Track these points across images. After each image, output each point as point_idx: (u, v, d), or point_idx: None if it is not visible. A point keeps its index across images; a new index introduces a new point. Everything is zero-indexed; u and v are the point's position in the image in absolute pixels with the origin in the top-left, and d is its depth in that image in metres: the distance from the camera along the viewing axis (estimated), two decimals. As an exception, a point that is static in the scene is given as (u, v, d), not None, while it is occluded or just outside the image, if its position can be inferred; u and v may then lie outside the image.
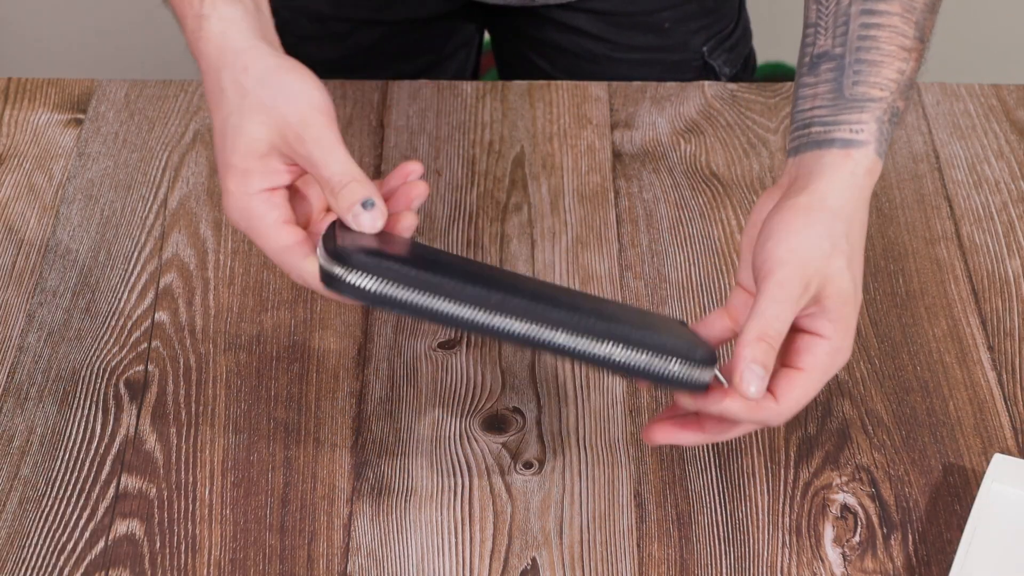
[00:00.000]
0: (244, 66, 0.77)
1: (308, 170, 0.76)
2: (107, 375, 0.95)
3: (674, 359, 0.72)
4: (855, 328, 0.77)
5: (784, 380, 0.76)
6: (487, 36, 1.37)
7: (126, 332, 0.97)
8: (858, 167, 0.79)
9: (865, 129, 0.80)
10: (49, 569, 0.84)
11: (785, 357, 0.77)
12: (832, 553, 0.86)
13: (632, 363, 0.72)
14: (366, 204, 0.74)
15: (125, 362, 0.95)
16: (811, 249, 0.76)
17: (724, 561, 0.85)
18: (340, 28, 1.25)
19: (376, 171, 1.09)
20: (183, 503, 0.88)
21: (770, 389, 0.76)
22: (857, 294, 0.77)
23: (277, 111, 0.76)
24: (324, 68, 1.26)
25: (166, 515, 0.87)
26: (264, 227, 0.76)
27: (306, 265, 0.75)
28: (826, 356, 0.77)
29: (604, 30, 1.23)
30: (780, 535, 0.87)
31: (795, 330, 0.77)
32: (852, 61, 0.81)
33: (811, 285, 0.75)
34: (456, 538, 0.87)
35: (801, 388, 0.76)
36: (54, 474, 0.89)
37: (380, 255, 0.71)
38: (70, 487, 0.89)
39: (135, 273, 1.01)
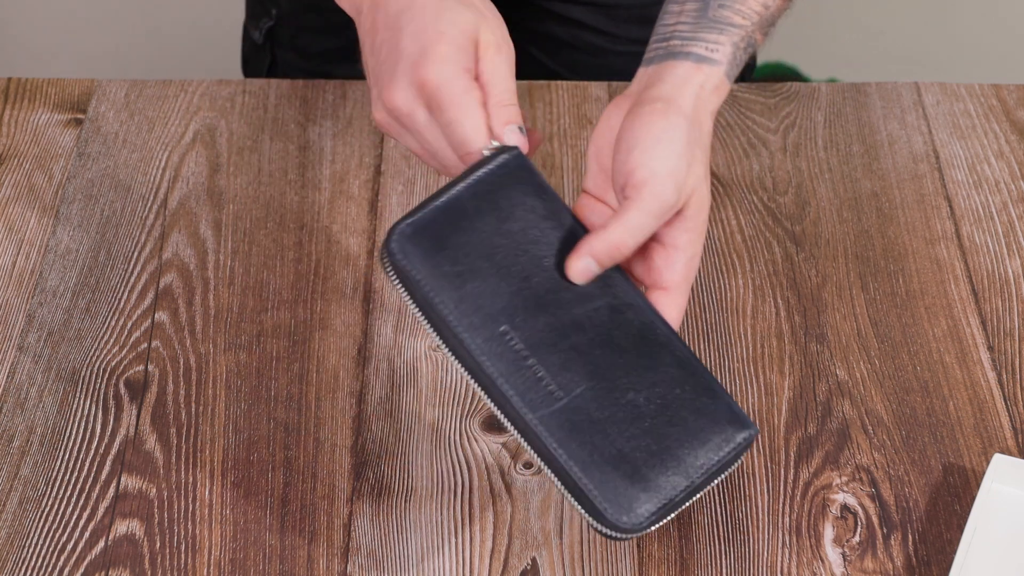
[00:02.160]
0: None
1: (483, 78, 0.78)
2: (107, 375, 0.95)
3: (590, 508, 0.73)
4: (705, 232, 0.80)
5: (656, 306, 0.78)
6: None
7: (126, 332, 0.97)
8: (707, 81, 0.81)
9: (720, 50, 0.82)
10: (49, 569, 0.84)
11: (646, 274, 0.78)
12: (832, 553, 0.86)
13: (559, 480, 0.74)
14: (521, 128, 0.78)
15: (125, 362, 0.95)
16: (680, 159, 0.77)
17: (724, 561, 0.85)
18: (339, 19, 1.25)
19: (376, 171, 1.09)
20: (183, 503, 0.88)
21: None
22: (709, 203, 0.80)
23: (488, 21, 0.80)
24: (324, 59, 1.26)
25: (166, 515, 0.87)
26: (466, 97, 0.77)
27: (483, 146, 0.77)
28: (684, 268, 0.78)
29: (604, 23, 1.23)
30: (780, 535, 0.87)
31: (653, 242, 0.78)
32: None
33: (680, 198, 0.77)
34: (456, 538, 0.87)
35: (674, 307, 0.78)
36: (54, 474, 0.89)
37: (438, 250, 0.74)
38: (70, 487, 0.89)
39: (135, 273, 1.01)
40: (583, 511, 0.73)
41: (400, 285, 0.75)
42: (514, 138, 0.77)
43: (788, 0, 0.87)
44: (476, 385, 0.75)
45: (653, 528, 0.72)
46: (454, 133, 0.77)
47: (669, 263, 0.78)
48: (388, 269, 0.75)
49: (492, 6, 0.82)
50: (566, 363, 0.74)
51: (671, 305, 0.78)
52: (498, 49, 0.79)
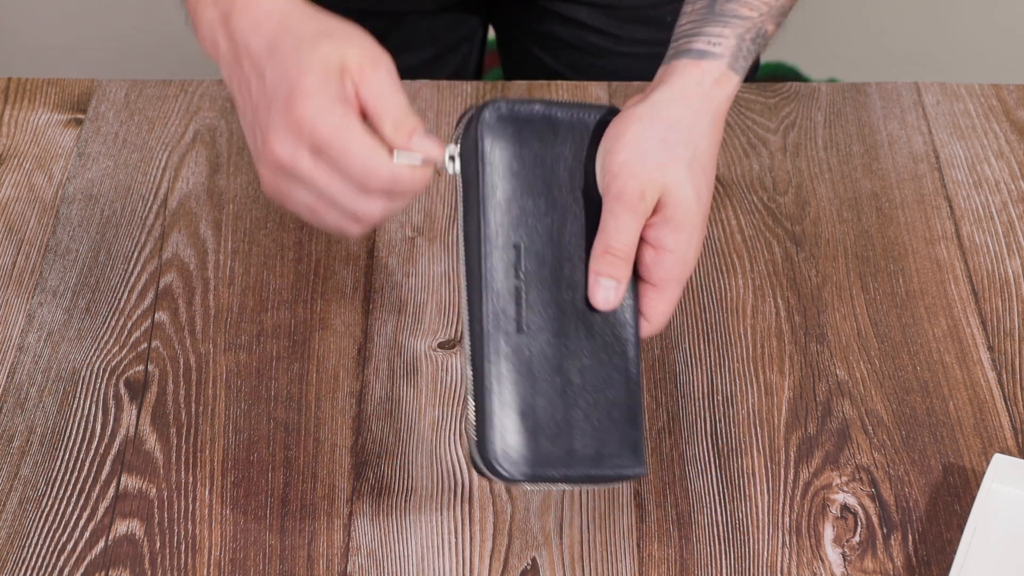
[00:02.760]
0: (311, 14, 0.76)
1: (369, 100, 0.74)
2: (107, 375, 0.95)
3: (481, 431, 0.74)
4: (702, 234, 0.79)
5: (645, 299, 0.78)
6: (491, 36, 1.37)
7: (126, 332, 0.97)
8: (705, 76, 0.80)
9: (723, 43, 0.81)
10: (49, 569, 0.84)
11: (640, 269, 0.79)
12: (832, 553, 0.86)
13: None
14: (424, 133, 0.74)
15: (125, 362, 0.95)
16: (643, 158, 0.77)
17: (724, 561, 0.85)
18: (344, 18, 1.25)
19: (376, 171, 1.09)
20: (183, 503, 0.88)
21: (640, 308, 0.79)
22: (701, 201, 0.78)
23: (353, 39, 0.75)
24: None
25: (166, 515, 0.87)
26: (347, 132, 0.73)
27: (390, 166, 0.73)
28: (674, 268, 0.78)
29: (606, 24, 1.23)
30: (780, 535, 0.87)
31: (642, 242, 0.78)
32: None
33: (646, 194, 0.76)
34: (456, 538, 0.87)
35: (661, 303, 0.78)
36: (54, 474, 0.89)
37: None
38: (70, 487, 0.89)
39: (135, 273, 1.01)
40: (472, 430, 0.74)
41: (461, 153, 0.76)
42: (426, 144, 0.74)
43: None
44: (464, 270, 0.76)
45: (513, 484, 0.73)
46: (348, 166, 0.73)
47: (657, 262, 0.78)
48: (465, 135, 0.76)
49: (353, 27, 0.77)
50: (544, 308, 0.76)
51: (659, 301, 0.78)
52: (373, 65, 0.74)
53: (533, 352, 0.75)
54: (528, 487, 0.75)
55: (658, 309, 0.78)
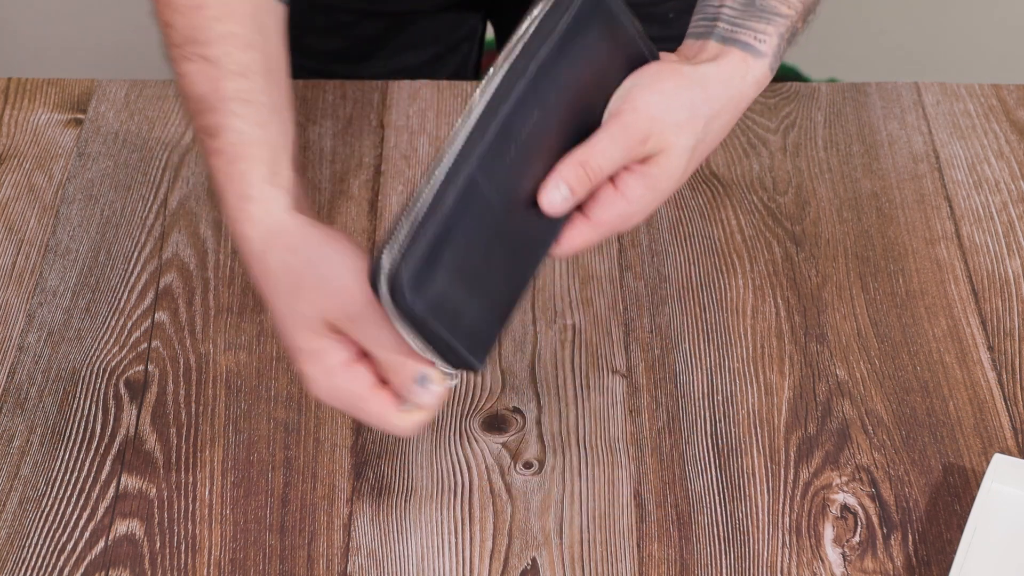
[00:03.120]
0: (292, 247, 0.77)
1: (363, 346, 0.75)
2: (107, 375, 0.95)
3: (403, 254, 0.71)
4: (659, 205, 0.78)
5: (572, 226, 0.77)
6: (489, 34, 1.37)
7: (126, 332, 0.97)
8: (749, 74, 0.81)
9: (767, 41, 0.82)
10: (49, 569, 0.84)
11: (587, 201, 0.78)
12: (832, 553, 0.86)
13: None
14: (422, 379, 0.74)
15: (125, 362, 0.95)
16: (668, 110, 0.77)
17: (724, 561, 0.85)
18: (344, 19, 1.25)
19: (376, 171, 1.09)
20: (183, 503, 0.88)
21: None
22: (681, 178, 0.78)
23: (328, 289, 0.75)
24: (328, 59, 1.26)
25: (166, 515, 0.87)
26: (358, 400, 0.76)
27: (401, 419, 0.76)
28: (617, 218, 0.77)
29: None
30: (780, 535, 0.87)
31: (607, 180, 0.78)
32: None
33: (649, 141, 0.76)
34: (456, 538, 0.87)
35: (581, 237, 0.77)
36: (54, 474, 0.89)
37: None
38: (70, 487, 0.89)
39: (135, 273, 1.01)
40: (397, 246, 0.71)
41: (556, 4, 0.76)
42: (421, 397, 0.75)
43: None
44: (482, 99, 0.74)
45: (396, 313, 0.71)
46: (369, 422, 0.77)
47: (609, 202, 0.77)
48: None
49: (338, 234, 0.78)
50: (506, 183, 0.74)
51: (582, 235, 0.77)
52: (351, 319, 0.74)
53: (483, 215, 0.73)
54: (399, 325, 0.72)
55: (575, 241, 0.77)
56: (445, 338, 0.73)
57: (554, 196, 0.74)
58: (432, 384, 0.74)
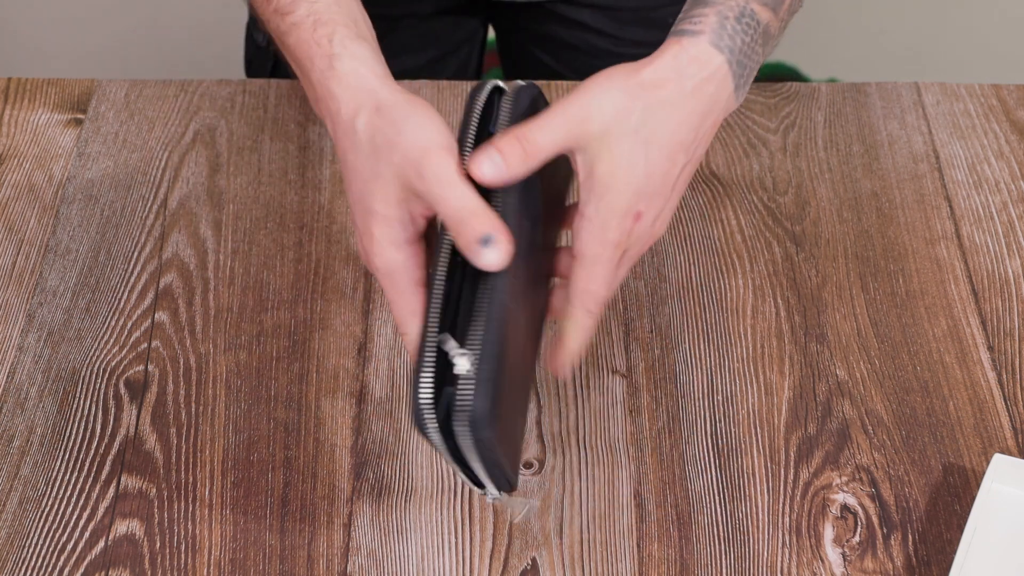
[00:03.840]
0: (377, 105, 0.77)
1: (433, 207, 0.74)
2: (107, 375, 0.95)
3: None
4: (632, 212, 0.76)
5: (572, 273, 0.77)
6: (491, 36, 1.37)
7: (126, 332, 0.97)
8: (683, 52, 0.78)
9: (703, 21, 0.79)
10: (49, 569, 0.84)
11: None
12: (832, 553, 0.86)
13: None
14: (486, 240, 0.72)
15: (125, 362, 0.95)
16: (600, 100, 0.75)
17: (724, 561, 0.85)
18: None
19: (376, 171, 1.09)
20: (183, 503, 0.88)
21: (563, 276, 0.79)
22: (633, 174, 0.75)
23: (400, 150, 0.74)
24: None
25: (166, 515, 0.87)
26: (405, 284, 0.76)
27: (411, 327, 0.76)
28: (588, 238, 0.76)
29: (608, 25, 1.23)
30: (780, 535, 0.87)
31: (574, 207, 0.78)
32: None
33: (587, 123, 0.74)
34: (456, 538, 0.87)
35: (581, 278, 0.77)
36: (54, 474, 0.89)
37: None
38: (70, 487, 0.89)
39: (135, 273, 1.01)
40: (463, 382, 0.71)
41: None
42: (485, 258, 0.72)
43: None
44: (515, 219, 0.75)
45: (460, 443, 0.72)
46: (393, 311, 0.77)
47: (578, 231, 0.76)
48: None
49: (420, 100, 0.77)
50: (522, 297, 0.75)
51: (579, 278, 0.76)
52: (431, 160, 0.74)
53: (513, 331, 0.74)
54: (470, 456, 0.73)
55: (578, 285, 0.77)
56: (503, 465, 0.73)
57: (485, 165, 0.73)
58: (500, 243, 0.72)
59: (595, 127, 0.75)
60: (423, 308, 0.75)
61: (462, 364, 0.71)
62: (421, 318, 0.75)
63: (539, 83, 1.16)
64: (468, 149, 0.75)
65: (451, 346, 0.71)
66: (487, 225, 0.72)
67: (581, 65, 1.25)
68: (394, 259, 0.76)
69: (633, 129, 0.75)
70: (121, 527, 0.87)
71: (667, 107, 0.77)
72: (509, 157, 0.73)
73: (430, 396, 0.71)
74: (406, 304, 0.76)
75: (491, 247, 0.71)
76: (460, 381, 0.71)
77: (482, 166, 0.73)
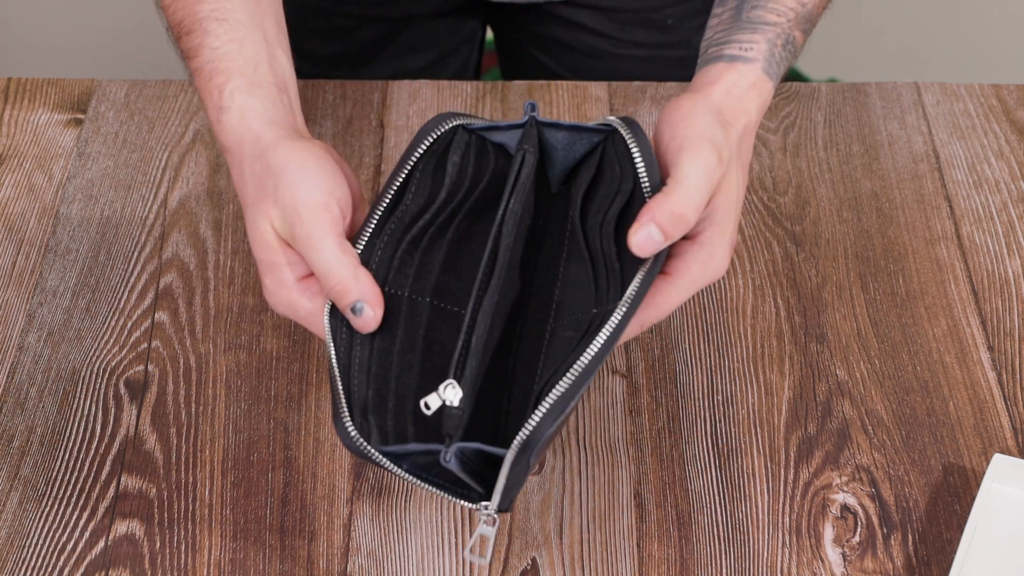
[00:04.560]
0: (259, 155, 0.78)
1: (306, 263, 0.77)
2: (107, 375, 0.95)
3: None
4: (732, 240, 0.77)
5: (653, 287, 0.76)
6: (489, 35, 1.37)
7: (126, 332, 0.97)
8: (741, 79, 0.80)
9: (755, 48, 0.81)
10: (49, 569, 0.84)
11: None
12: (832, 553, 0.86)
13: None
14: (356, 309, 0.75)
15: (125, 362, 0.95)
16: (712, 127, 0.76)
17: (724, 561, 0.85)
18: (344, 24, 1.26)
19: (376, 171, 1.09)
20: (183, 503, 0.88)
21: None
22: (739, 204, 0.77)
23: (277, 204, 0.76)
24: (328, 64, 1.27)
25: (166, 515, 0.87)
26: (312, 316, 0.77)
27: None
28: (697, 266, 0.76)
29: (607, 26, 1.23)
30: (780, 535, 0.87)
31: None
32: None
33: (721, 160, 0.75)
34: (456, 538, 0.87)
35: (667, 295, 0.76)
36: (54, 474, 0.89)
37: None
38: (70, 487, 0.89)
39: (135, 273, 1.01)
40: (524, 423, 0.72)
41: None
42: (356, 323, 0.75)
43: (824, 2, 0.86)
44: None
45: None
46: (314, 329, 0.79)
47: (682, 253, 0.76)
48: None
49: (312, 147, 0.79)
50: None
51: (666, 293, 0.76)
52: (304, 220, 0.76)
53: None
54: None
55: (663, 300, 0.76)
56: (515, 490, 0.73)
57: (643, 238, 0.72)
58: (367, 311, 0.75)
59: (703, 147, 0.75)
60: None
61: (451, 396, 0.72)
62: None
63: (539, 83, 1.16)
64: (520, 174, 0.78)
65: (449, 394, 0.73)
66: (355, 292, 0.74)
67: (580, 66, 1.25)
68: (289, 301, 0.77)
69: (720, 142, 0.76)
70: (121, 527, 0.87)
71: (735, 137, 0.78)
72: (670, 230, 0.72)
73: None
74: (319, 326, 0.77)
75: (360, 315, 0.75)
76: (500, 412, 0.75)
77: (641, 242, 0.72)
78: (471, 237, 0.81)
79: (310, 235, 0.75)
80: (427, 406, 0.72)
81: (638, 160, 0.75)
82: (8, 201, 1.07)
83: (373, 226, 0.78)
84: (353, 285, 0.75)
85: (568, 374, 0.71)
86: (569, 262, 0.80)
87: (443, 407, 0.72)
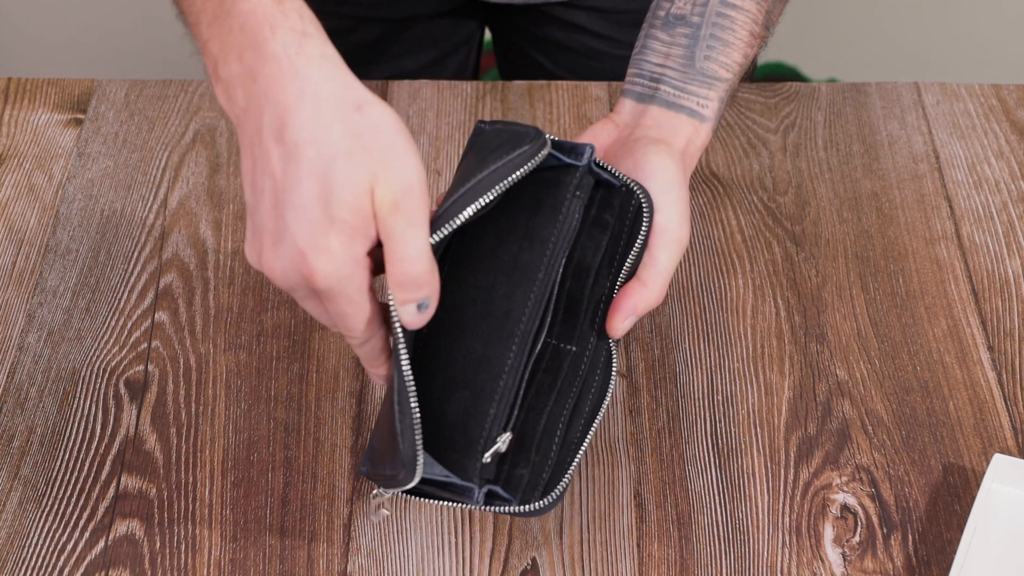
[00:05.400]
0: (356, 104, 0.68)
1: (385, 243, 0.68)
2: (107, 375, 0.95)
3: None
4: (668, 277, 0.82)
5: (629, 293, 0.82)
6: (488, 36, 1.37)
7: (126, 332, 0.97)
8: (698, 138, 0.85)
9: (710, 106, 0.86)
10: (49, 569, 0.85)
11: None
12: (832, 553, 0.86)
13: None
14: (423, 306, 0.70)
15: (125, 362, 0.95)
16: (686, 203, 0.81)
17: (724, 561, 0.85)
18: (342, 25, 1.26)
19: (376, 171, 1.09)
20: (183, 503, 0.88)
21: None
22: (680, 250, 0.82)
23: (389, 169, 0.67)
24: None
25: (166, 515, 0.87)
26: (359, 296, 0.69)
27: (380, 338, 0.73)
28: (638, 299, 0.81)
29: (606, 27, 1.23)
30: (780, 535, 0.87)
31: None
32: (707, 35, 0.86)
33: (672, 227, 0.81)
34: (456, 538, 0.87)
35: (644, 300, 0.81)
36: (54, 474, 0.89)
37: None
38: (70, 487, 0.89)
39: (135, 273, 1.01)
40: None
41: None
42: (409, 317, 0.69)
43: (761, 47, 0.90)
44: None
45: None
46: (342, 322, 0.71)
47: (648, 279, 0.81)
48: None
49: (386, 121, 0.69)
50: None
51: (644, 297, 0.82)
52: (394, 209, 0.67)
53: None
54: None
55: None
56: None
57: (625, 326, 0.81)
58: (431, 309, 0.70)
59: (684, 234, 0.82)
60: (377, 311, 0.72)
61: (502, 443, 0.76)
62: (380, 322, 0.72)
63: (539, 83, 1.16)
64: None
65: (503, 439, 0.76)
66: (432, 289, 0.69)
67: (578, 67, 1.25)
68: (351, 274, 0.68)
69: (683, 199, 0.83)
70: (121, 527, 0.87)
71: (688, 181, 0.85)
72: (642, 314, 0.81)
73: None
74: (363, 311, 0.70)
75: (423, 312, 0.70)
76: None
77: (621, 332, 0.81)
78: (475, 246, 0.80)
79: (414, 217, 0.67)
80: (488, 456, 0.75)
81: (637, 245, 0.81)
82: (8, 201, 1.07)
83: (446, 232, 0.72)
84: (430, 279, 0.69)
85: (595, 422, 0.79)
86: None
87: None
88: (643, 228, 0.80)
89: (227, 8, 0.70)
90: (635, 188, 0.80)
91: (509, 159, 0.73)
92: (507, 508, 0.76)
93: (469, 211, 0.71)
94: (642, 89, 0.87)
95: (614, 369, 0.82)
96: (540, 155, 0.74)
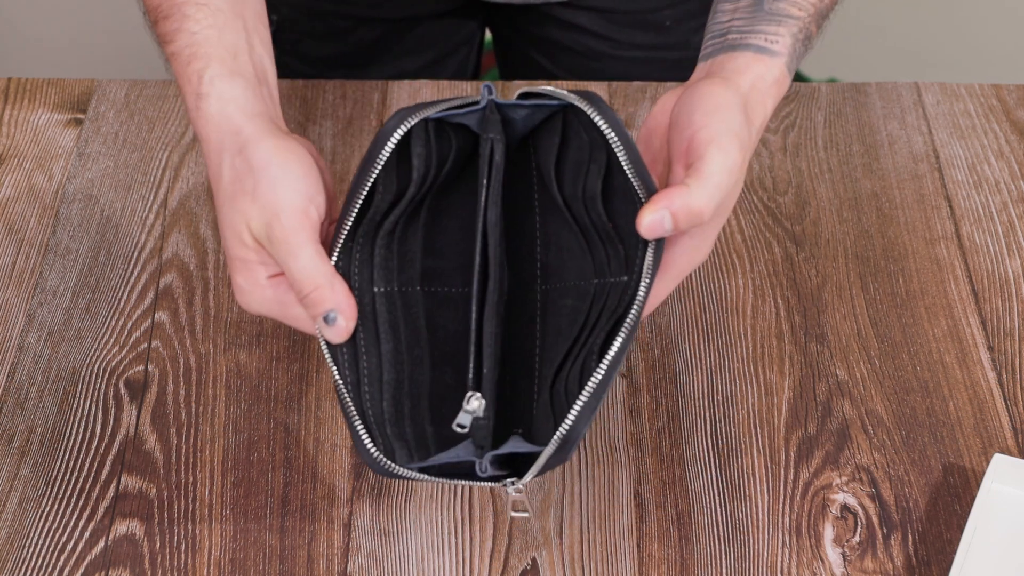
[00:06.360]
0: (239, 148, 0.76)
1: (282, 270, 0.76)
2: (107, 375, 0.95)
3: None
4: (718, 230, 0.77)
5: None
6: (488, 36, 1.37)
7: (126, 332, 0.97)
8: (767, 73, 0.79)
9: (780, 41, 0.80)
10: (49, 569, 0.84)
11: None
12: (832, 553, 0.86)
13: None
14: (329, 318, 0.74)
15: (125, 362, 0.95)
16: (741, 124, 0.75)
17: (724, 561, 0.85)
18: (342, 25, 1.26)
19: (376, 171, 1.09)
20: (183, 503, 0.88)
21: None
22: (734, 197, 0.76)
23: (256, 203, 0.75)
24: (326, 65, 1.27)
25: (166, 515, 0.87)
26: (286, 307, 0.76)
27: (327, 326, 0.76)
28: (685, 257, 0.76)
29: (605, 28, 1.23)
30: (780, 535, 0.87)
31: None
32: None
33: (745, 160, 0.75)
34: (456, 538, 0.87)
35: (655, 289, 0.76)
36: (54, 474, 0.89)
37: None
38: (70, 487, 0.89)
39: (135, 273, 1.01)
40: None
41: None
42: (326, 333, 0.75)
43: None
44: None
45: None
46: (306, 326, 0.78)
47: (669, 244, 0.75)
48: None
49: (293, 144, 0.77)
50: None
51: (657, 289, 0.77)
52: (281, 224, 0.75)
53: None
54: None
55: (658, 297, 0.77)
56: (546, 470, 0.75)
57: (654, 222, 0.71)
58: (340, 321, 0.74)
59: (732, 147, 0.74)
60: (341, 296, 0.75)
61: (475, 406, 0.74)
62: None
63: (536, 84, 1.16)
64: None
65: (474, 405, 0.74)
66: (330, 301, 0.73)
67: (578, 68, 1.25)
68: (263, 298, 0.76)
69: (745, 134, 0.76)
70: (121, 527, 0.87)
71: (756, 126, 0.78)
72: (680, 228, 0.72)
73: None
74: (303, 318, 0.76)
75: (332, 325, 0.74)
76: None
77: (652, 225, 0.71)
78: (442, 212, 0.80)
79: (288, 240, 0.74)
80: (460, 426, 0.73)
81: (607, 131, 0.74)
82: (8, 201, 1.07)
83: (346, 232, 0.76)
84: (329, 294, 0.74)
85: (602, 364, 0.71)
86: (546, 221, 0.80)
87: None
88: (613, 139, 0.74)
89: (171, 71, 0.82)
90: (572, 99, 0.75)
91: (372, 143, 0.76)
92: (530, 467, 0.73)
93: (356, 205, 0.75)
94: (710, 48, 0.82)
95: (639, 304, 0.72)
96: (399, 130, 0.75)
